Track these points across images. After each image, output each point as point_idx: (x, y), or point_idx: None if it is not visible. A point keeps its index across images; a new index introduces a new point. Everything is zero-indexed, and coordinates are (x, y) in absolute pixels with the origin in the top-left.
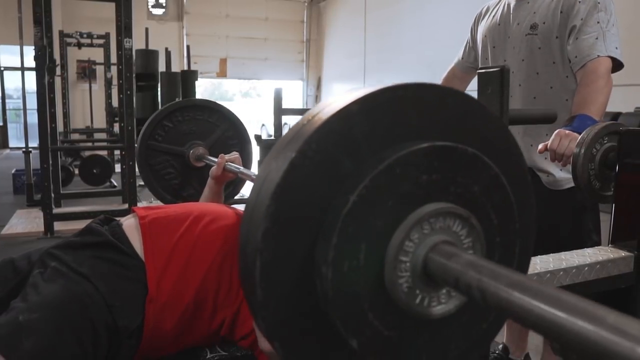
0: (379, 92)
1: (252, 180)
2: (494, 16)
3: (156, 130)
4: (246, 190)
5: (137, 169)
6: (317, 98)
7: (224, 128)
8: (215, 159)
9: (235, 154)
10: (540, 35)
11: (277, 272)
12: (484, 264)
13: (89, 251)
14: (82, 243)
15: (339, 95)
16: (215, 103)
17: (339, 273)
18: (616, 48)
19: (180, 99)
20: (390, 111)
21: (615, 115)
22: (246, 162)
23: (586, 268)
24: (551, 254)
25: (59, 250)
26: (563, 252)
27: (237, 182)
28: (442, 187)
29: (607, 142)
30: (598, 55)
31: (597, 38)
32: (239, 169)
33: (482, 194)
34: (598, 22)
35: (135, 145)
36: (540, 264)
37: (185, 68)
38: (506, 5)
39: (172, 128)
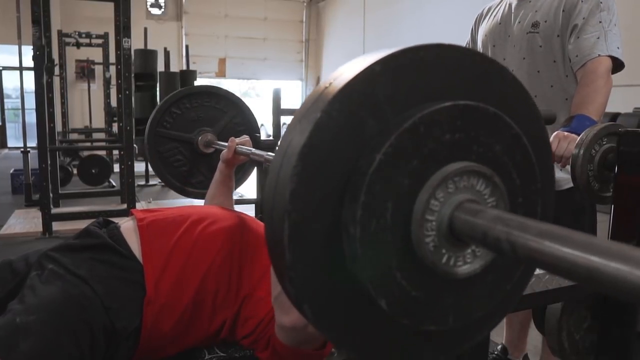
0: (400, 52)
1: (264, 161)
2: (495, 16)
3: (164, 117)
4: (249, 187)
5: (135, 168)
6: None
7: (231, 115)
8: (225, 143)
9: (245, 137)
10: (542, 33)
11: (305, 234)
12: (511, 217)
13: (87, 253)
14: (79, 245)
15: (358, 58)
16: (222, 89)
17: (366, 232)
18: (618, 48)
19: None
20: (412, 71)
21: (614, 116)
22: (255, 147)
23: None
24: None
25: (56, 252)
26: None
27: (246, 168)
28: (465, 147)
29: (606, 143)
30: (599, 55)
31: (598, 37)
32: (250, 150)
33: (503, 153)
34: (600, 22)
35: (134, 145)
36: None
37: (184, 68)
38: (507, 5)
39: (180, 115)
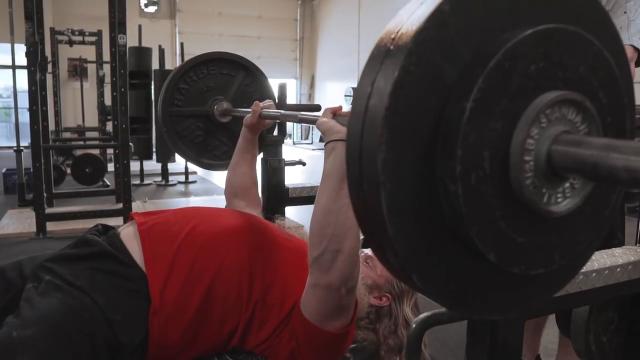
0: None
1: (296, 120)
2: None
3: (174, 95)
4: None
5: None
6: (310, 97)
7: (240, 77)
8: (244, 110)
9: (269, 101)
10: None
11: (402, 202)
12: (622, 143)
13: (85, 263)
14: (77, 255)
15: (413, 2)
16: (224, 53)
17: (468, 187)
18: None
19: None
20: (481, 3)
21: None
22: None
23: (618, 269)
24: None
25: (52, 263)
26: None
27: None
28: (551, 75)
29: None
30: None
31: (621, 27)
32: (279, 112)
33: (588, 73)
34: (625, 12)
35: (130, 144)
36: None
37: None
38: None
39: (189, 89)
